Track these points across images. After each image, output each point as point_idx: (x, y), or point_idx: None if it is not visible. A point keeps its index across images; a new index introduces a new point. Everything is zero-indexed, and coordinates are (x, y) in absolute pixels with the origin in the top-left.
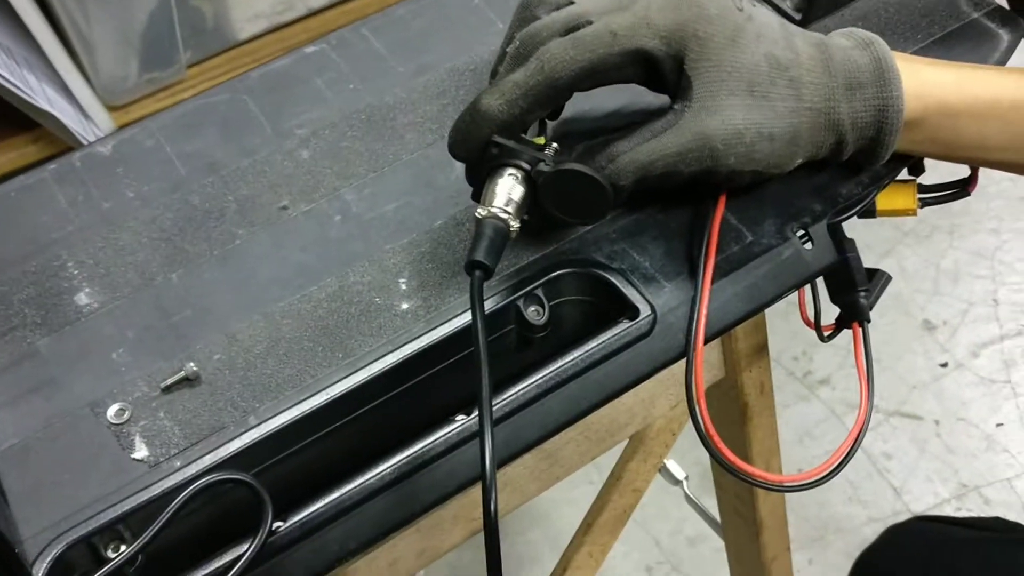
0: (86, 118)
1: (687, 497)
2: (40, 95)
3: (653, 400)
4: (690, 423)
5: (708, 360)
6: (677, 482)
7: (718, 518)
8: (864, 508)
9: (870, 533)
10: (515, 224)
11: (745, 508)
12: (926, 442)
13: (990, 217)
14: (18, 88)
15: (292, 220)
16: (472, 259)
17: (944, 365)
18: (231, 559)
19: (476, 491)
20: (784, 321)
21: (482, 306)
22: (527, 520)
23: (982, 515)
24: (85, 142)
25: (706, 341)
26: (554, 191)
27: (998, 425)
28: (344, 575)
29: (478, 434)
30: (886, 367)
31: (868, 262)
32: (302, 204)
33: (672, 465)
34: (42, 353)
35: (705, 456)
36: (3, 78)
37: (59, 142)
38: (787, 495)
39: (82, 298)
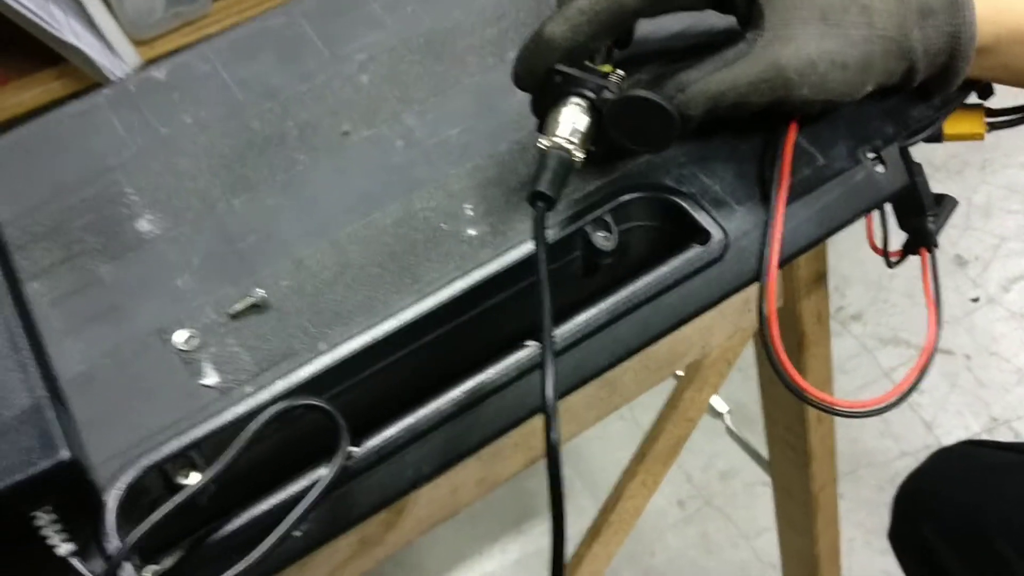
0: (112, 52)
1: (728, 430)
2: (66, 28)
3: (711, 329)
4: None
5: None
6: (718, 415)
7: (759, 451)
8: (896, 442)
9: (902, 467)
10: (579, 155)
11: (795, 439)
12: (957, 376)
13: (1022, 151)
14: (44, 21)
15: (354, 145)
16: (535, 190)
17: (975, 300)
18: (307, 484)
19: (536, 418)
20: None
21: (544, 238)
22: None
23: None
24: (112, 77)
25: (780, 265)
26: (620, 119)
27: None
28: (406, 503)
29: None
30: (917, 302)
31: None
32: (364, 129)
33: (713, 399)
34: (105, 280)
35: (740, 393)
36: (30, 11)
37: (85, 77)
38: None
39: (143, 224)
